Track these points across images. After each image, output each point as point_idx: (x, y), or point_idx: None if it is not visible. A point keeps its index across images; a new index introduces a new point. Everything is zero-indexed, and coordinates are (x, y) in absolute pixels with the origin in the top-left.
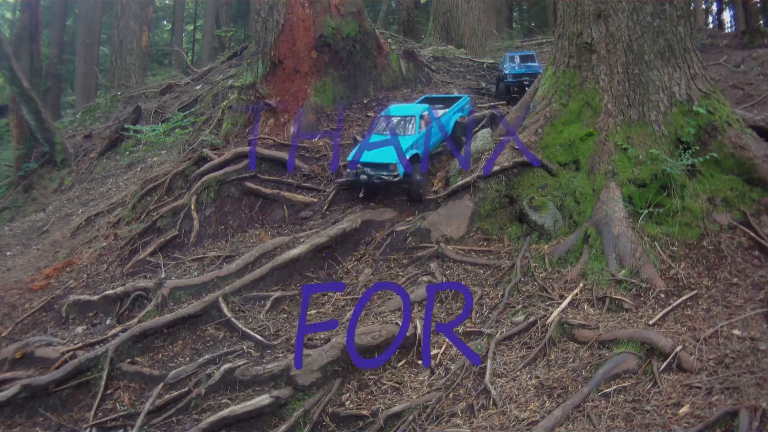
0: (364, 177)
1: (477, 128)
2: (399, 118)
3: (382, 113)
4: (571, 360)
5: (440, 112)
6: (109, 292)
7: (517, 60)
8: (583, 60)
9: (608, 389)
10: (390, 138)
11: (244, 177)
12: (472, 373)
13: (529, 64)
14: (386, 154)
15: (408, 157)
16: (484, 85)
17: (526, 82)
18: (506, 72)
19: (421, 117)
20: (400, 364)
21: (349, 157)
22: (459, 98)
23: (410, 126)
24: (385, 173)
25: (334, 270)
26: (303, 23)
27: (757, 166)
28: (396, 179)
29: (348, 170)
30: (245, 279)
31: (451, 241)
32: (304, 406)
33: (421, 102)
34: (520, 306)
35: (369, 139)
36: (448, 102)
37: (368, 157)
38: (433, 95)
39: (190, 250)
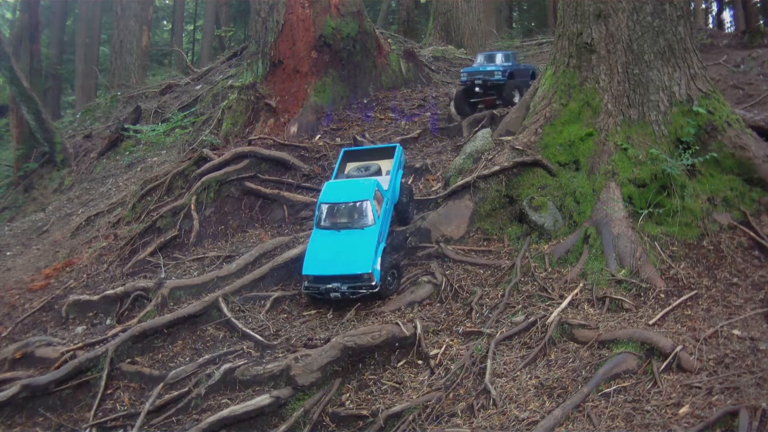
0: (336, 295)
1: (477, 128)
2: (347, 205)
3: (321, 199)
4: (571, 360)
5: (384, 179)
6: (109, 292)
7: (481, 59)
8: (583, 60)
9: (608, 389)
10: (347, 235)
11: (244, 177)
12: (472, 373)
13: (492, 64)
14: (356, 261)
15: (379, 258)
16: None
17: (478, 81)
18: (462, 73)
19: (374, 197)
20: (400, 364)
21: (305, 269)
22: (391, 149)
23: (366, 213)
24: (362, 287)
25: None
26: (303, 23)
27: (757, 166)
28: (374, 290)
29: (306, 284)
30: (245, 279)
31: (451, 241)
32: (304, 406)
33: (343, 159)
34: (520, 306)
35: (318, 239)
36: (374, 154)
37: (333, 267)
38: (354, 148)
39: (190, 250)
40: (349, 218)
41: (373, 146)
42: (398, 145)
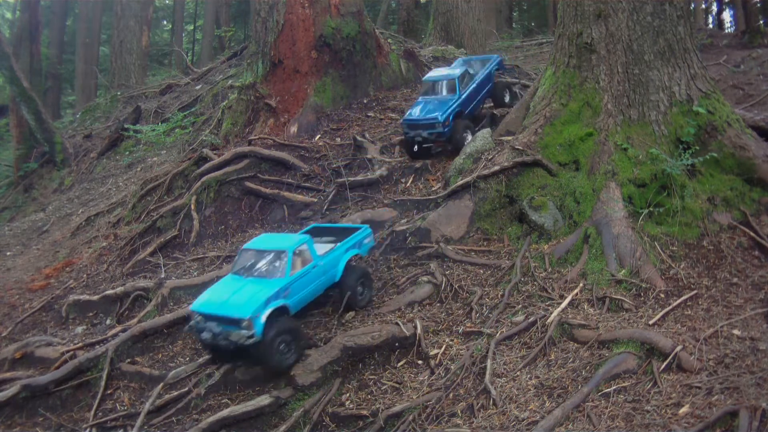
0: (206, 336)
1: (477, 128)
2: (266, 254)
3: (245, 245)
4: (571, 360)
5: (327, 247)
6: (109, 292)
7: (424, 94)
8: (583, 60)
9: (608, 389)
10: (250, 282)
11: (244, 177)
12: (472, 373)
13: (435, 101)
14: (238, 305)
15: (268, 311)
16: None
17: (419, 139)
18: (402, 124)
19: (298, 252)
20: (400, 364)
21: (193, 305)
22: (356, 229)
23: (279, 265)
24: (233, 335)
25: None
26: (303, 23)
27: (757, 166)
28: (251, 341)
29: (190, 323)
30: None
31: (451, 241)
32: (304, 406)
33: (308, 231)
34: (520, 306)
35: (223, 281)
36: (341, 233)
37: (213, 305)
38: (323, 224)
39: (190, 250)
40: (260, 267)
41: (344, 225)
42: (366, 226)
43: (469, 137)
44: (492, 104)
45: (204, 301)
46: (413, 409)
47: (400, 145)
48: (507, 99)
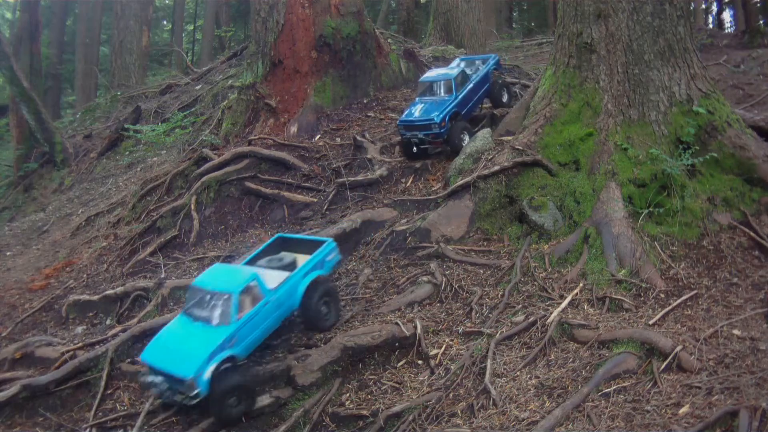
0: (155, 392)
1: (477, 128)
2: (212, 295)
3: (194, 281)
4: (571, 360)
5: (281, 277)
6: (109, 292)
7: (421, 93)
8: (583, 60)
9: (608, 389)
10: (198, 328)
11: (244, 177)
12: (472, 373)
13: (431, 102)
14: (183, 361)
15: (212, 367)
16: None
17: (416, 141)
18: (399, 125)
19: (245, 292)
20: (400, 364)
21: (143, 353)
22: (320, 243)
23: (225, 310)
24: (178, 396)
25: (334, 270)
26: (303, 23)
27: (757, 166)
28: (195, 400)
29: (141, 374)
30: None
31: (451, 241)
32: (304, 406)
33: (273, 242)
34: (520, 306)
35: (174, 324)
36: (307, 246)
37: (159, 358)
38: (289, 235)
39: (190, 250)
40: (207, 309)
41: (308, 237)
42: (330, 240)
43: (467, 139)
44: (491, 105)
45: (152, 350)
46: (413, 409)
47: (400, 146)
48: (505, 99)
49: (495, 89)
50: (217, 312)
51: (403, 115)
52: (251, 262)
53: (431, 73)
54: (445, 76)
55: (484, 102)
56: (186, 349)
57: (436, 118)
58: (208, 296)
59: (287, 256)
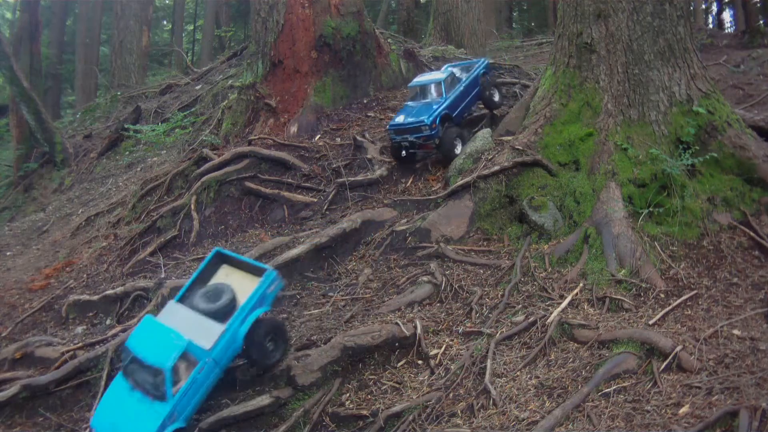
0: None
1: (477, 128)
2: (144, 365)
3: (128, 340)
4: (571, 360)
5: (217, 331)
6: (109, 292)
7: (412, 97)
8: (583, 60)
9: (608, 389)
10: (137, 399)
11: (244, 177)
12: (472, 373)
13: (422, 105)
14: None
15: None
16: None
17: (406, 144)
18: (389, 129)
19: (179, 362)
20: (400, 364)
21: (92, 421)
22: (260, 270)
23: (160, 385)
24: None
25: (334, 270)
26: (303, 23)
27: (757, 166)
28: None
29: None
30: None
31: (451, 241)
32: (304, 406)
33: (212, 257)
34: (520, 306)
35: (116, 387)
36: (246, 269)
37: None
38: (228, 252)
39: (190, 250)
40: (142, 378)
41: (248, 260)
42: (270, 270)
43: (460, 146)
44: (485, 108)
45: (100, 419)
46: (413, 409)
47: (389, 150)
48: (497, 99)
49: (486, 92)
50: (152, 385)
51: (393, 120)
52: (192, 287)
53: (420, 78)
54: (434, 80)
55: (473, 106)
56: (129, 427)
57: (426, 120)
58: (141, 364)
59: (225, 291)
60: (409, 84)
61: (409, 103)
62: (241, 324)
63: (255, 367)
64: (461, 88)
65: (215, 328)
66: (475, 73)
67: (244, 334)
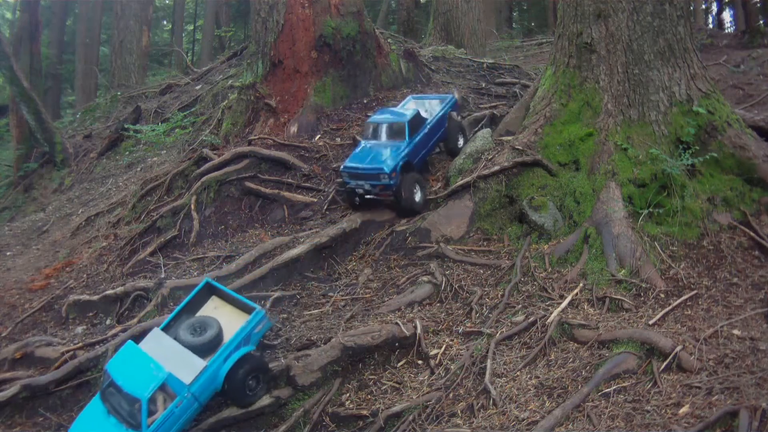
0: None
1: (477, 128)
2: (123, 394)
3: (108, 363)
4: (571, 360)
5: (198, 366)
6: (109, 292)
7: (369, 136)
8: (583, 60)
9: (608, 389)
10: (114, 427)
11: (244, 177)
12: (472, 373)
13: (383, 146)
14: None
15: None
16: (483, 84)
17: (360, 191)
18: (342, 171)
19: (157, 393)
20: (400, 364)
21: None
22: (249, 308)
23: (135, 411)
24: None
25: (334, 270)
26: (303, 23)
27: (757, 166)
28: None
29: None
30: (245, 279)
31: (451, 241)
32: (304, 406)
33: (202, 287)
34: (520, 306)
35: (93, 411)
36: (237, 305)
37: None
38: (218, 285)
39: (190, 250)
40: (121, 404)
41: (237, 296)
42: (258, 309)
43: (419, 194)
44: (444, 149)
45: None
46: (413, 409)
47: (340, 196)
48: (460, 144)
49: (451, 134)
50: (128, 413)
51: (347, 160)
52: (178, 316)
53: (381, 115)
54: (398, 119)
55: (435, 148)
56: None
57: (386, 168)
58: (119, 390)
59: (211, 326)
60: (368, 119)
61: (364, 142)
62: (224, 362)
63: (235, 404)
64: (425, 130)
65: (197, 363)
66: (442, 111)
67: (225, 372)
